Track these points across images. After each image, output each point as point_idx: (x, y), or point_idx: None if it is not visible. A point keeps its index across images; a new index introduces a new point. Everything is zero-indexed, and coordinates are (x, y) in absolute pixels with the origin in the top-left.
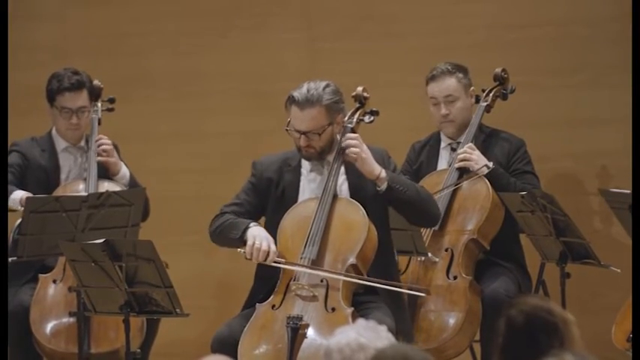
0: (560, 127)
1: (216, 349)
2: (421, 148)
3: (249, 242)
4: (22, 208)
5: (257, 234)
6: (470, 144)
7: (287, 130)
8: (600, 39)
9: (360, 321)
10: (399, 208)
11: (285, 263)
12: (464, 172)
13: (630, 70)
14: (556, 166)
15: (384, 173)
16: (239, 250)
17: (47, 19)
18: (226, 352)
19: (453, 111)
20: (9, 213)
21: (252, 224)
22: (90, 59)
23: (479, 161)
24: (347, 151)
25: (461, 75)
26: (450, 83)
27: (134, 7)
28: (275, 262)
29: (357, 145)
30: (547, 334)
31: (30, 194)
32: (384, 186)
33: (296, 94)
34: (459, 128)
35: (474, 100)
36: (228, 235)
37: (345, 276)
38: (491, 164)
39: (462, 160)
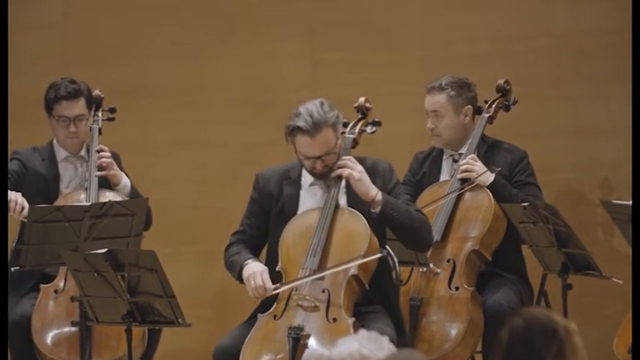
0: (562, 138)
1: (218, 358)
2: (424, 159)
3: (247, 286)
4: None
5: (249, 274)
6: (472, 155)
7: (299, 159)
8: (602, 50)
9: (362, 332)
10: (391, 230)
11: (282, 285)
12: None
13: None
14: (558, 177)
15: (379, 196)
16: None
17: (48, 28)
18: None
19: (438, 126)
20: (9, 223)
21: (244, 264)
22: (91, 68)
23: (481, 172)
24: (338, 172)
25: (453, 92)
26: (439, 99)
27: (136, 17)
28: (275, 288)
29: (348, 167)
30: (545, 338)
31: (17, 193)
32: (377, 209)
33: (301, 124)
34: (447, 144)
35: (468, 118)
36: (233, 275)
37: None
38: (497, 169)
39: (464, 172)
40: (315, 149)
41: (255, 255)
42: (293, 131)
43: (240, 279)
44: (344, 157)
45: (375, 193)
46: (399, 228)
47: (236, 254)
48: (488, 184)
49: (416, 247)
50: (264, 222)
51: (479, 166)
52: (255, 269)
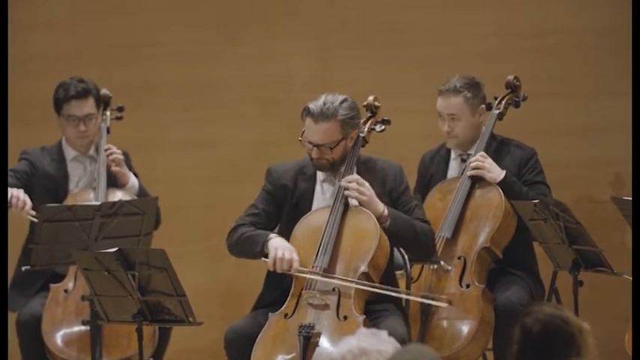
0: (572, 135)
1: (230, 339)
2: (431, 159)
3: (272, 254)
4: (9, 207)
5: (279, 245)
6: (482, 152)
7: (300, 140)
8: (611, 47)
9: (362, 329)
10: (395, 241)
11: (307, 272)
12: (476, 181)
13: None
14: (568, 173)
15: (386, 212)
16: (262, 259)
17: (59, 28)
18: (239, 343)
19: (455, 129)
20: (18, 222)
21: (272, 235)
22: (102, 68)
23: (491, 169)
24: (346, 194)
25: (469, 94)
26: (456, 102)
27: (146, 17)
28: (299, 271)
29: (357, 189)
30: (564, 343)
31: (18, 189)
32: (385, 224)
33: (312, 105)
34: (462, 144)
35: (482, 118)
36: (248, 249)
37: (359, 284)
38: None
39: (474, 169)
40: (315, 135)
41: None
42: (304, 110)
43: (260, 251)
44: (350, 178)
45: (381, 209)
46: (403, 242)
47: (254, 231)
48: (498, 181)
49: (419, 257)
50: (278, 211)
51: (489, 163)
52: (286, 244)
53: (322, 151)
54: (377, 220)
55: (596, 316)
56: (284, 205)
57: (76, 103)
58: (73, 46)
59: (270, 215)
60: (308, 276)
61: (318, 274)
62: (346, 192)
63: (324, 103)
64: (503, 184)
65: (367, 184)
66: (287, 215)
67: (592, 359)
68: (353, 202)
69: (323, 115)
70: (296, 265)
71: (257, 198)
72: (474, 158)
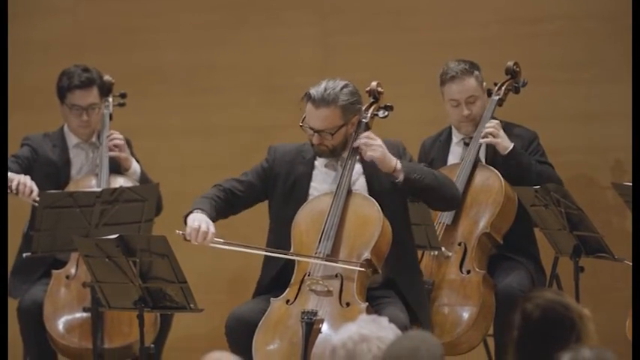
0: (573, 121)
1: (231, 326)
2: (431, 144)
3: (189, 224)
4: (16, 194)
5: (196, 217)
6: (497, 121)
7: (301, 125)
8: (612, 33)
9: (362, 316)
10: (419, 196)
11: (224, 243)
12: (476, 167)
13: None
14: (569, 159)
15: (399, 164)
16: (177, 231)
17: (60, 14)
18: (240, 330)
19: (474, 111)
20: (19, 209)
21: (196, 210)
22: (103, 54)
23: (504, 140)
24: (362, 152)
25: (477, 73)
26: (471, 83)
27: (147, 2)
28: (215, 242)
29: (371, 144)
30: (563, 329)
31: (25, 176)
32: (401, 177)
33: (313, 91)
34: (476, 125)
35: (486, 95)
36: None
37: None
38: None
39: (488, 134)
40: (315, 121)
41: (225, 214)
42: (305, 96)
43: (184, 219)
44: (362, 136)
45: (395, 163)
46: (426, 189)
47: (202, 198)
48: (508, 151)
49: (445, 205)
50: (264, 189)
51: (503, 133)
52: (205, 218)
53: (323, 136)
54: (392, 174)
55: (597, 302)
56: (275, 187)
57: (80, 93)
58: (74, 32)
59: (253, 188)
60: (225, 247)
61: (235, 244)
62: (362, 150)
63: (325, 89)
64: (513, 154)
65: (379, 139)
66: (281, 198)
67: (592, 345)
68: (356, 188)
69: (324, 101)
70: (211, 237)
71: (252, 168)
72: (489, 124)
